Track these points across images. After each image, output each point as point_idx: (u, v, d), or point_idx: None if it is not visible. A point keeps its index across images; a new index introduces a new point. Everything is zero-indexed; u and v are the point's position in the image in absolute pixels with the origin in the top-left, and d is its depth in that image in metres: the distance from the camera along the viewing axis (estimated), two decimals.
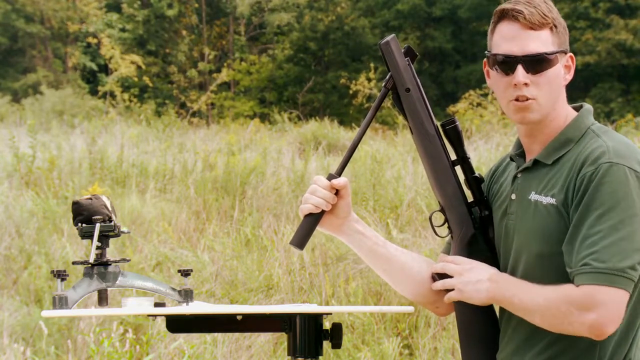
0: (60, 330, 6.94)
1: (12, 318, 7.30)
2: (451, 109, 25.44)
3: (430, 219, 2.60)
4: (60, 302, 2.61)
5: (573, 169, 2.32)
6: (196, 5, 34.66)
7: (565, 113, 2.42)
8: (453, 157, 2.52)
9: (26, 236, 9.15)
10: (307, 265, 7.95)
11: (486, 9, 30.32)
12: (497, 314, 2.51)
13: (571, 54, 2.41)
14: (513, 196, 2.43)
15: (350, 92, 28.21)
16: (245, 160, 12.86)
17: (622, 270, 2.23)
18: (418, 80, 2.50)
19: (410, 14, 31.88)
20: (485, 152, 13.96)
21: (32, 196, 10.52)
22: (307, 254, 8.22)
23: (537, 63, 2.36)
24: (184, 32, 34.27)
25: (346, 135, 19.01)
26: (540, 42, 2.37)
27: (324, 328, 2.71)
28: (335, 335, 2.71)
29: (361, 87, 26.48)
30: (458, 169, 2.52)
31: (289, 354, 2.70)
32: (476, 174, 2.51)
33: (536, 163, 2.40)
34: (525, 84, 2.36)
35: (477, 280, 2.41)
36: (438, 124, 2.52)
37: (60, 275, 2.62)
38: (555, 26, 2.38)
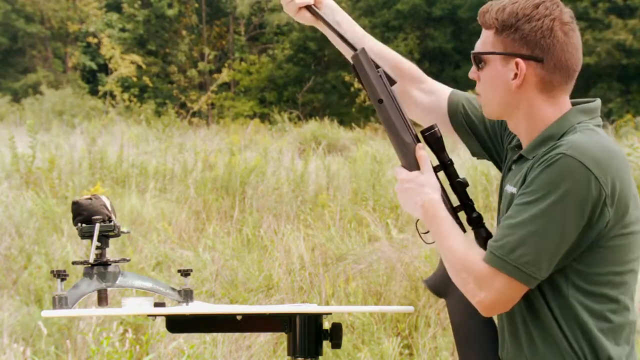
0: (60, 330, 6.93)
1: (12, 318, 7.29)
2: None
3: (416, 226, 2.60)
4: (60, 302, 2.61)
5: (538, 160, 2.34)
6: (196, 5, 34.66)
7: (549, 113, 2.39)
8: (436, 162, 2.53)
9: (26, 236, 9.14)
10: (307, 265, 7.95)
11: None
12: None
13: (519, 59, 2.36)
14: (503, 191, 2.48)
15: (352, 89, 28.21)
16: (245, 160, 12.86)
17: (522, 264, 2.25)
18: (391, 90, 2.52)
19: (410, 14, 31.88)
20: None
21: (32, 196, 10.51)
22: (307, 254, 8.22)
23: (474, 61, 2.44)
24: (184, 32, 34.27)
25: (346, 135, 19.01)
26: (482, 41, 2.43)
27: (323, 328, 2.72)
28: (335, 335, 2.72)
29: None
30: (442, 175, 2.52)
31: (289, 354, 2.70)
32: (460, 178, 2.51)
33: (520, 157, 2.43)
34: (474, 79, 2.46)
35: (413, 203, 2.46)
36: (417, 131, 2.53)
37: (60, 275, 2.62)
38: (499, 29, 2.38)
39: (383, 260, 7.82)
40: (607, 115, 24.38)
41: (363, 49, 2.54)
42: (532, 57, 2.36)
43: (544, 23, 2.35)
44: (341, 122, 23.45)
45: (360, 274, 7.75)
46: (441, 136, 2.51)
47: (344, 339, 6.10)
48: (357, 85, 27.44)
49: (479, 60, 2.41)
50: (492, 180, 11.06)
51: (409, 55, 30.73)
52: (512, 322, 2.38)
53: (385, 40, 31.85)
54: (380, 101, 2.51)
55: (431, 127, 2.50)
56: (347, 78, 29.43)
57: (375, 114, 28.03)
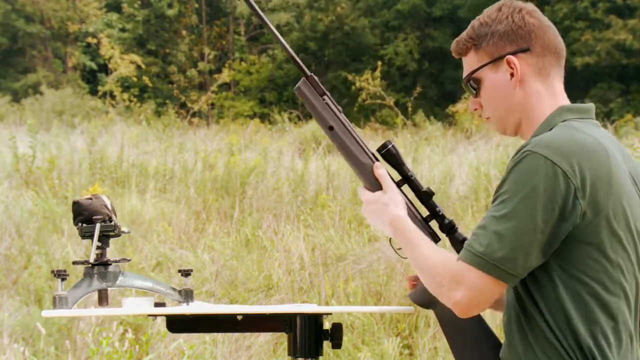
0: (60, 330, 6.93)
1: (12, 318, 7.29)
2: (451, 109, 25.46)
3: (390, 242, 2.60)
4: (60, 302, 2.61)
5: None
6: (196, 5, 34.67)
7: (547, 105, 2.40)
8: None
9: (26, 236, 9.15)
10: (307, 265, 7.95)
11: None
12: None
13: (509, 57, 2.38)
14: None
15: (353, 88, 28.20)
16: (245, 160, 12.86)
17: (497, 260, 2.22)
18: (339, 115, 2.54)
19: (410, 14, 31.88)
20: (485, 152, 13.95)
21: (32, 196, 10.52)
22: (307, 254, 8.22)
23: (470, 88, 2.44)
24: (184, 32, 34.28)
25: None
26: (468, 66, 2.45)
27: (324, 328, 2.72)
28: (335, 335, 2.72)
29: (365, 84, 26.42)
30: (406, 188, 2.53)
31: (289, 354, 2.70)
32: (424, 189, 2.52)
33: None
34: (476, 109, 2.46)
35: (381, 222, 2.49)
36: (374, 150, 2.54)
37: (60, 275, 2.62)
38: (477, 45, 2.41)
39: (383, 260, 7.82)
40: (607, 115, 24.36)
41: (305, 79, 2.54)
42: (520, 50, 2.38)
43: (514, 17, 2.40)
44: None
45: (360, 274, 7.75)
46: (398, 151, 2.52)
47: (344, 339, 6.10)
48: (357, 84, 27.47)
49: (473, 83, 2.43)
50: (492, 180, 11.06)
51: (409, 55, 30.73)
52: (508, 322, 2.38)
53: (385, 40, 31.49)
54: (331, 128, 2.54)
55: (385, 145, 2.51)
56: (349, 77, 29.47)
57: (375, 114, 27.99)
